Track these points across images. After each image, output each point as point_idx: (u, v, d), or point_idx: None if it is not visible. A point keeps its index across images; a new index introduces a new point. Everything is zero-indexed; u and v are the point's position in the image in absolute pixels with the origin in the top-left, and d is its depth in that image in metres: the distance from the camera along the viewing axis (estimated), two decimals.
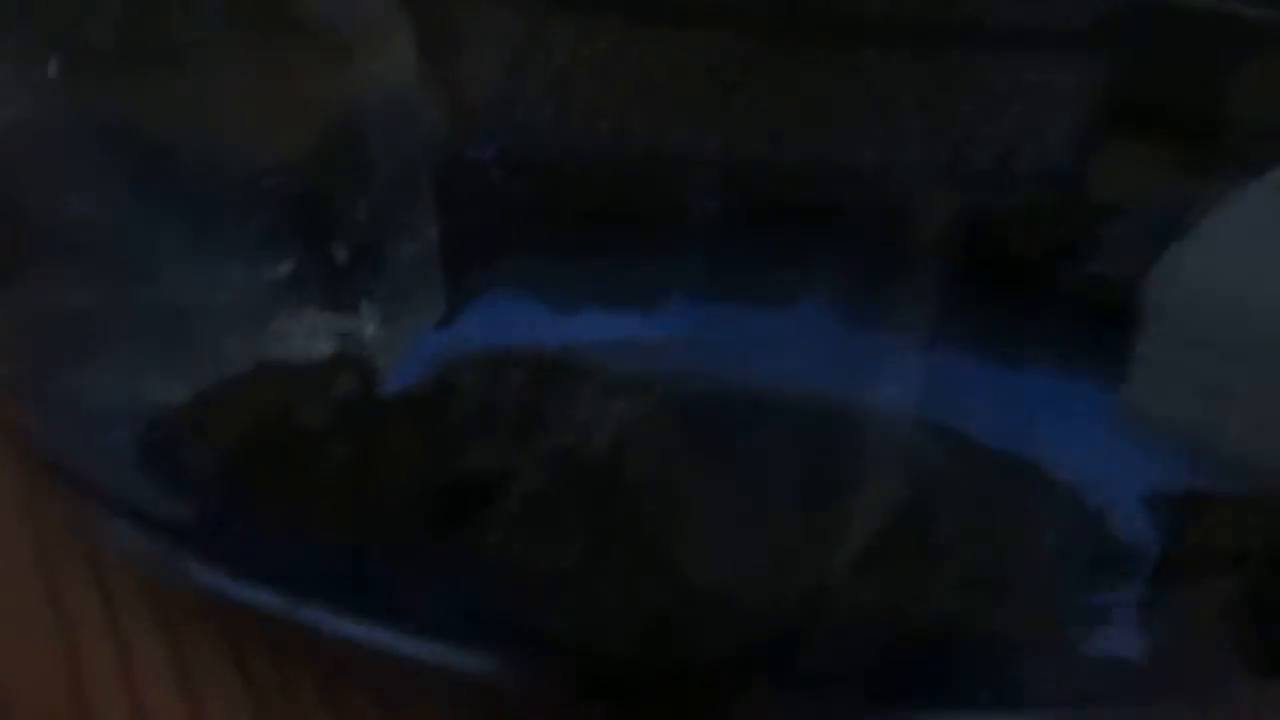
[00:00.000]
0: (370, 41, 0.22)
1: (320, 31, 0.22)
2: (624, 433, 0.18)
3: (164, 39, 0.22)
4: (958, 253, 0.23)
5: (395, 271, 0.22)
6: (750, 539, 0.17)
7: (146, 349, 0.21)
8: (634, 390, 0.20)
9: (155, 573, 0.19)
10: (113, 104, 0.22)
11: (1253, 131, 0.21)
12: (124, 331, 0.21)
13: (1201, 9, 0.22)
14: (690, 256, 0.25)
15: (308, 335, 0.21)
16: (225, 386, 0.19)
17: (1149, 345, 0.18)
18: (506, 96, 0.23)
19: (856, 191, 0.22)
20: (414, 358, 0.22)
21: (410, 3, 0.23)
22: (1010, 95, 0.22)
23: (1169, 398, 0.18)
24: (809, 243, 0.24)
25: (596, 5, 0.21)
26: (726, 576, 0.16)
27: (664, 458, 0.18)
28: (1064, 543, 0.19)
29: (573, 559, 0.17)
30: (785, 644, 0.16)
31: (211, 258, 0.22)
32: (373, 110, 0.22)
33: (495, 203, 0.26)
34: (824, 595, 0.16)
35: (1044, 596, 0.18)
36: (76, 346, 0.20)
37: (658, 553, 0.17)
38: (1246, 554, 0.18)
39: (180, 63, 0.22)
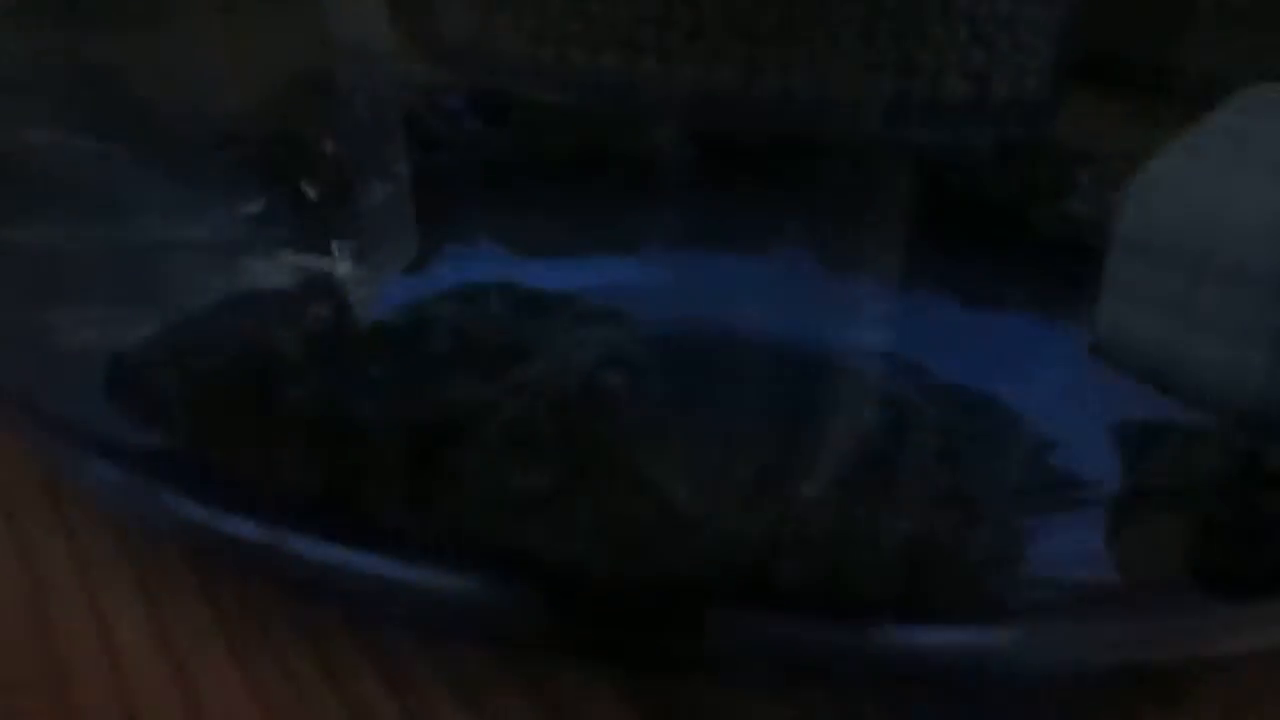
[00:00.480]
0: None
1: None
2: (599, 360, 0.18)
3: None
4: (928, 191, 0.24)
5: (368, 212, 0.22)
6: (724, 463, 0.17)
7: (116, 287, 0.21)
8: (608, 321, 0.20)
9: (125, 508, 0.19)
10: (82, 48, 0.21)
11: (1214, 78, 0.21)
12: (93, 269, 0.21)
13: None
14: (660, 201, 0.25)
15: (280, 272, 0.21)
16: (196, 319, 0.19)
17: (1118, 270, 0.18)
18: (478, 36, 0.22)
19: (827, 129, 0.22)
20: (388, 294, 0.22)
21: None
22: (983, 25, 0.22)
23: (1138, 323, 0.18)
24: (779, 187, 0.24)
25: None
26: (701, 498, 0.16)
27: (638, 385, 0.18)
28: (1027, 468, 0.19)
29: (549, 482, 0.17)
30: (760, 563, 0.16)
31: (183, 198, 0.22)
32: (343, 51, 0.22)
33: (466, 147, 0.26)
34: (797, 515, 0.16)
35: (1007, 518, 0.18)
36: (43, 285, 0.20)
37: (633, 476, 0.17)
38: (1205, 481, 0.18)
39: (151, 7, 0.21)
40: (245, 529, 0.18)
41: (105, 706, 0.16)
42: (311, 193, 0.22)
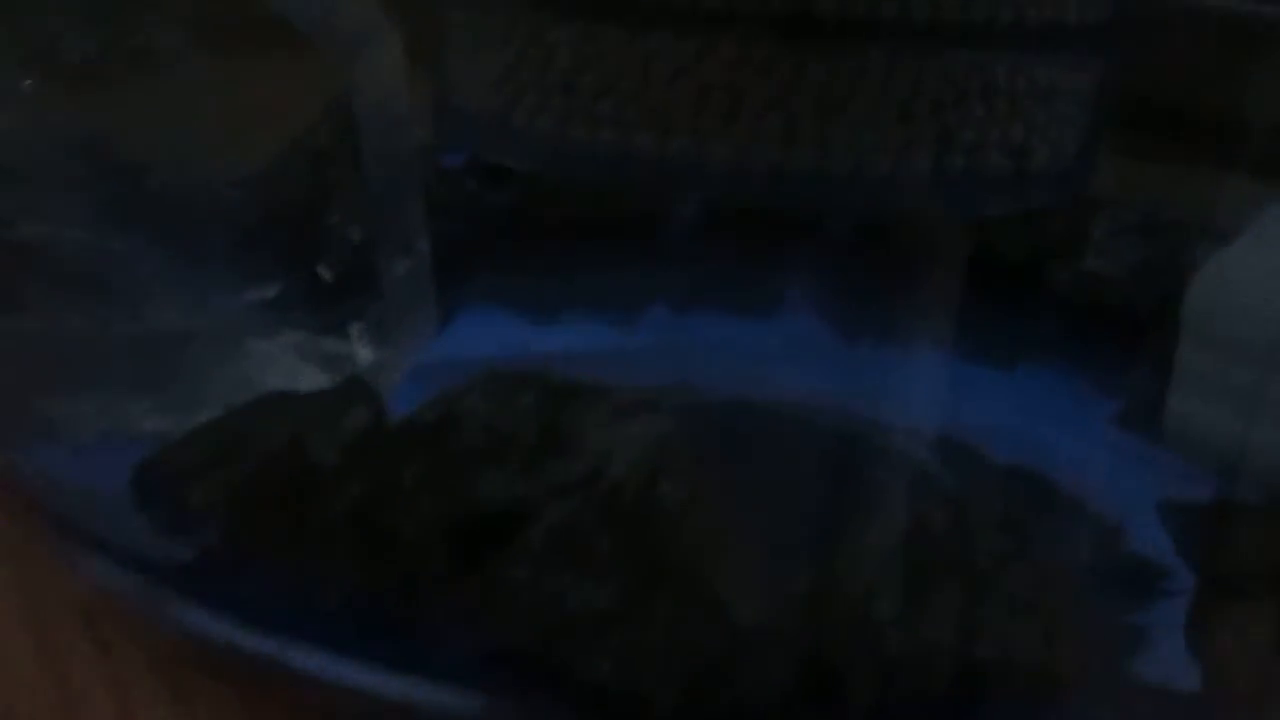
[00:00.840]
0: (354, 52, 0.21)
1: (304, 42, 0.21)
2: (641, 457, 0.18)
3: (142, 56, 0.21)
4: (964, 259, 0.23)
5: (389, 290, 0.21)
6: (784, 568, 0.17)
7: (132, 380, 0.20)
8: (645, 411, 0.19)
9: (151, 619, 0.18)
10: (91, 124, 0.21)
11: (1265, 133, 0.21)
12: (109, 362, 0.20)
13: (1213, 8, 0.21)
14: (679, 266, 0.24)
15: (301, 359, 0.20)
16: (219, 420, 0.18)
17: (1187, 356, 0.18)
18: (492, 107, 0.22)
19: (865, 199, 0.22)
20: (412, 379, 0.21)
21: (396, 7, 0.22)
22: (1019, 97, 0.21)
23: (1207, 410, 0.18)
24: (813, 261, 0.23)
25: (591, 11, 0.21)
26: (768, 613, 0.16)
27: (684, 483, 0.17)
28: (1097, 564, 0.19)
29: (604, 597, 0.16)
30: (835, 682, 0.15)
31: (198, 283, 0.21)
32: (360, 119, 0.21)
33: (477, 215, 0.25)
34: (869, 629, 0.16)
35: (1083, 622, 0.17)
36: (59, 379, 0.19)
37: (695, 589, 0.16)
38: None
39: (162, 82, 0.21)
40: (270, 646, 0.17)
41: None
42: (328, 274, 0.22)
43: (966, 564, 0.17)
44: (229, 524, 0.17)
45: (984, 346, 0.23)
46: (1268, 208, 0.18)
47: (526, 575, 0.16)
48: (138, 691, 0.17)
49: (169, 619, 0.17)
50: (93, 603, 0.18)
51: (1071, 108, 0.22)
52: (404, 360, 0.21)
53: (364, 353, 0.20)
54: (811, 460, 0.20)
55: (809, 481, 0.19)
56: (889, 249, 0.24)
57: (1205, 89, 0.22)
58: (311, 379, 0.20)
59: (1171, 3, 0.22)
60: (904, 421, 0.21)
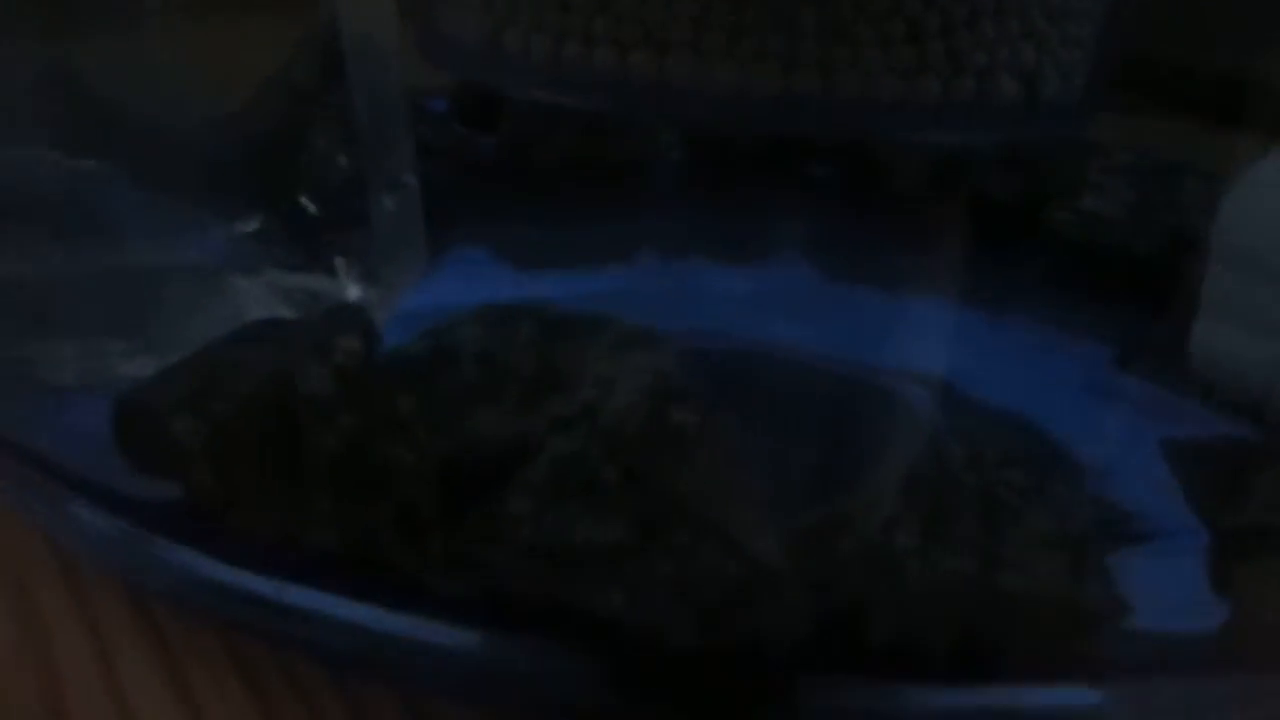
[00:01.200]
0: None
1: None
2: (647, 386, 0.17)
3: None
4: (961, 199, 0.22)
5: (377, 226, 0.20)
6: (796, 502, 0.16)
7: (110, 317, 0.19)
8: (647, 342, 0.18)
9: (133, 565, 0.17)
10: (67, 58, 0.20)
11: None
12: (84, 301, 0.19)
13: None
14: (672, 209, 0.24)
15: (284, 298, 0.20)
16: (202, 352, 0.17)
17: (1214, 285, 0.17)
18: (482, 29, 0.21)
19: (872, 125, 0.21)
20: (403, 317, 0.20)
21: None
22: (1034, 20, 0.21)
23: (1234, 339, 0.17)
24: (816, 193, 0.23)
25: None
26: (782, 546, 0.15)
27: (692, 412, 0.17)
28: (1110, 508, 0.18)
29: (611, 531, 0.15)
30: (854, 616, 0.14)
31: (175, 218, 0.20)
32: (345, 51, 0.20)
33: (464, 158, 0.24)
34: (887, 561, 0.15)
35: (1103, 564, 0.16)
36: (35, 317, 0.18)
37: (706, 522, 0.15)
38: None
39: (141, 17, 0.20)
40: (268, 589, 0.16)
41: None
42: (312, 208, 0.21)
43: (983, 497, 0.16)
44: (215, 460, 0.16)
45: (981, 288, 0.23)
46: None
47: (529, 510, 0.15)
48: (120, 644, 0.16)
49: (154, 562, 0.16)
50: (72, 559, 0.17)
51: (1083, 31, 0.21)
52: (391, 300, 0.20)
53: (350, 291, 0.20)
54: (815, 397, 0.19)
55: (815, 416, 0.19)
56: (884, 190, 0.23)
57: (1208, 34, 0.22)
58: (296, 316, 0.19)
59: None
60: (903, 365, 0.21)
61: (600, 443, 0.16)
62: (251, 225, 0.20)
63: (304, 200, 0.21)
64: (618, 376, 0.17)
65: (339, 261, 0.20)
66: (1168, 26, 0.22)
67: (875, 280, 0.23)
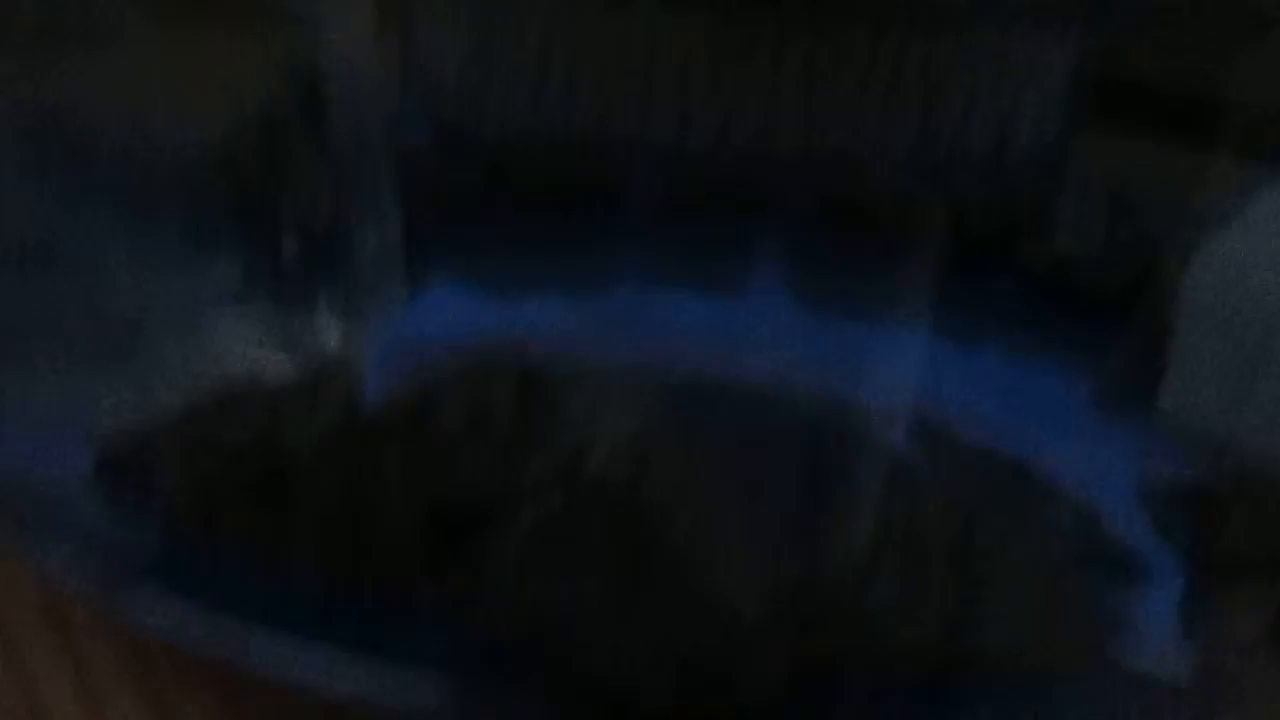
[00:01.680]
0: (322, 19, 0.20)
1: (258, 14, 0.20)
2: (625, 446, 0.17)
3: (93, 20, 0.20)
4: (936, 238, 0.23)
5: (358, 260, 0.21)
6: (772, 562, 0.16)
7: (92, 360, 0.19)
8: (626, 397, 0.19)
9: (117, 610, 0.17)
10: (41, 93, 0.20)
11: (1250, 117, 0.21)
12: (66, 341, 0.19)
13: None
14: (648, 242, 0.24)
15: (266, 333, 0.20)
16: (188, 408, 0.17)
17: (1183, 340, 0.17)
18: (465, 77, 0.21)
19: (847, 177, 0.21)
20: (381, 358, 0.20)
21: None
22: (1000, 77, 0.21)
23: (1205, 388, 0.17)
24: (776, 231, 0.23)
25: None
26: (759, 604, 0.15)
27: (666, 470, 0.17)
28: (1077, 548, 0.19)
29: (589, 589, 0.16)
30: (828, 670, 0.15)
31: (156, 255, 0.20)
32: (327, 80, 0.21)
33: (443, 191, 0.24)
34: (861, 617, 0.15)
35: (1070, 611, 0.17)
36: (14, 358, 0.18)
37: (680, 580, 0.15)
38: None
39: (113, 52, 0.20)
40: (237, 637, 0.16)
41: None
42: (293, 245, 0.21)
43: (954, 549, 0.17)
44: (201, 514, 0.16)
45: (956, 325, 0.23)
46: (1264, 188, 0.17)
47: (508, 568, 0.16)
48: (106, 689, 0.16)
49: (137, 610, 0.17)
50: (55, 600, 0.17)
51: (1051, 87, 0.22)
52: (373, 336, 0.20)
53: (332, 325, 0.20)
54: (790, 446, 0.20)
55: (790, 470, 0.19)
56: (861, 227, 0.24)
57: (1181, 69, 0.22)
58: (277, 354, 0.19)
59: None
60: (878, 403, 0.21)
61: (577, 504, 0.16)
62: (235, 262, 0.21)
63: (286, 237, 0.21)
64: (598, 435, 0.18)
65: (321, 295, 0.20)
66: (1143, 52, 0.22)
67: (851, 315, 0.23)
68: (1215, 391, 0.17)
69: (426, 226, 0.22)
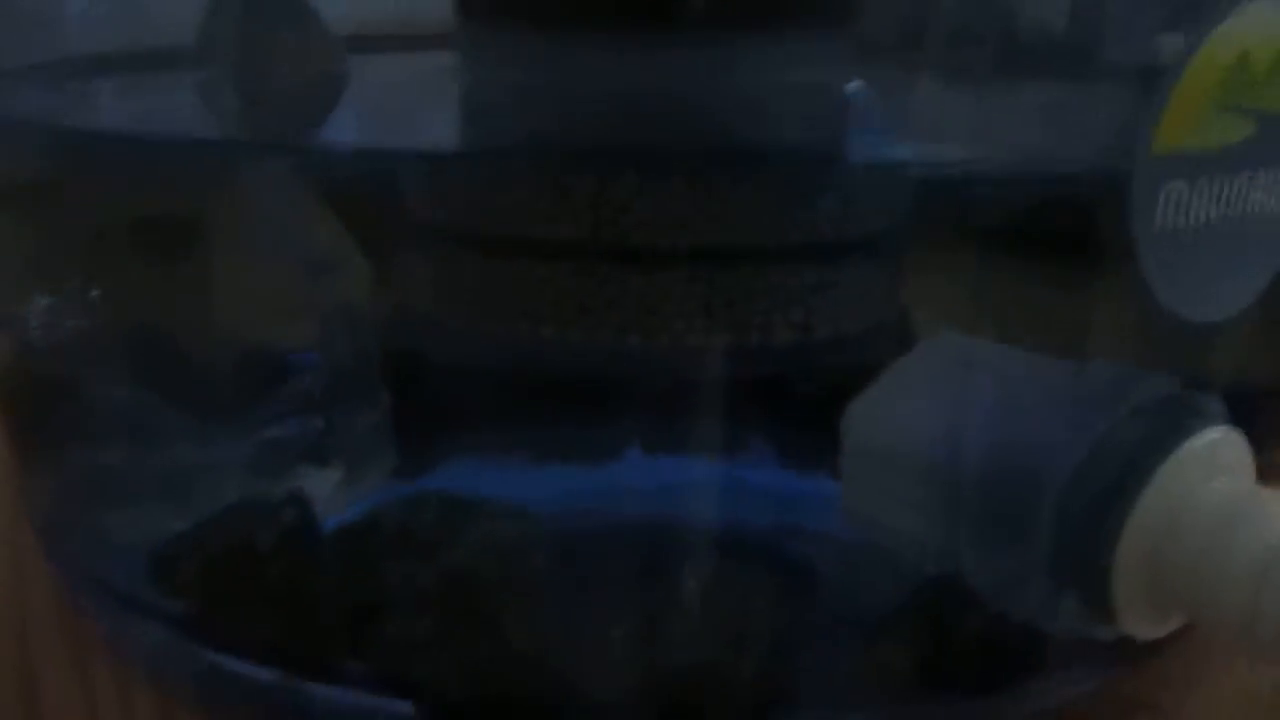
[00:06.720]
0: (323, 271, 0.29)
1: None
2: (495, 552, 0.26)
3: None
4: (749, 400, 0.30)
5: (354, 435, 0.29)
6: (591, 633, 0.24)
7: (157, 496, 0.28)
8: (508, 517, 0.27)
9: (154, 657, 0.26)
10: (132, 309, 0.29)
11: None
12: (139, 482, 0.28)
13: None
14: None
15: (289, 482, 0.28)
16: (202, 521, 0.27)
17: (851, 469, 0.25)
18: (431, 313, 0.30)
19: (680, 367, 0.29)
20: (361, 502, 0.29)
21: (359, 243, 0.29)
22: (801, 290, 0.28)
23: (868, 502, 0.25)
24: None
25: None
26: (566, 659, 0.23)
27: (526, 569, 0.25)
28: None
29: (458, 677, 0.24)
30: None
31: (208, 429, 0.29)
32: (332, 315, 0.29)
33: (435, 384, 0.32)
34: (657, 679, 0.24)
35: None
36: (104, 494, 0.28)
37: (514, 647, 0.24)
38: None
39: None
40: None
41: None
42: (315, 422, 0.30)
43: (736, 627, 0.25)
44: (205, 591, 0.25)
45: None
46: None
47: (394, 650, 0.24)
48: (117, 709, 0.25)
49: (160, 656, 0.25)
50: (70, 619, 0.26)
51: (852, 292, 0.29)
52: (363, 486, 0.29)
53: (327, 484, 0.28)
54: (642, 559, 0.27)
55: (623, 564, 0.27)
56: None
57: None
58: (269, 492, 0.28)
59: None
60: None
61: (460, 599, 0.24)
62: (267, 433, 0.29)
63: (294, 420, 0.30)
64: (484, 543, 0.26)
65: (332, 459, 0.29)
66: None
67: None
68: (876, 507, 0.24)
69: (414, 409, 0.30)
